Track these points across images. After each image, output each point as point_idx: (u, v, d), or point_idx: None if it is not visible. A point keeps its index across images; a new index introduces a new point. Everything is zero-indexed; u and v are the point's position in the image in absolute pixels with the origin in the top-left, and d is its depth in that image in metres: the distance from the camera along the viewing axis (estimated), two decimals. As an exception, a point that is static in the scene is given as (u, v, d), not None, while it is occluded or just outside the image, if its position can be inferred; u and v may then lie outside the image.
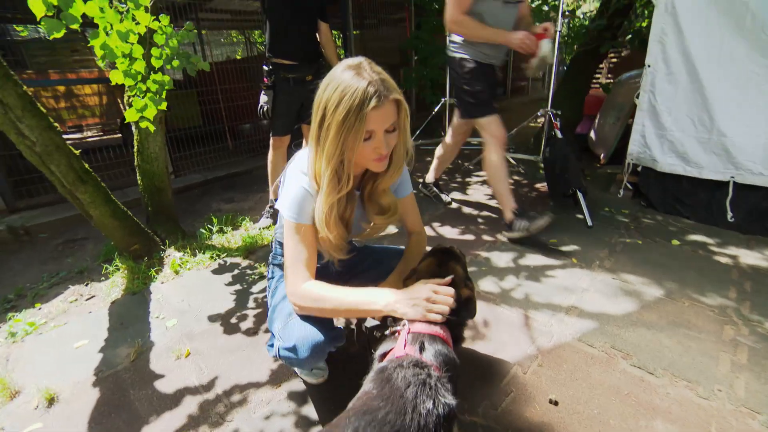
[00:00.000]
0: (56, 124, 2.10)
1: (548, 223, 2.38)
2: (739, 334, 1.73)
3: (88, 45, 1.77)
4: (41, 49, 6.26)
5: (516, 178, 3.88)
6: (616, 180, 3.35)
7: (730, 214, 2.66)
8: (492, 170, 2.54)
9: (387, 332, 1.01)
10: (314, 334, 1.08)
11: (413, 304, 0.95)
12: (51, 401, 1.47)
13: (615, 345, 1.69)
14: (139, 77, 1.86)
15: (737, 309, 1.88)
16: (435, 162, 3.18)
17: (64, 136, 2.13)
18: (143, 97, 1.93)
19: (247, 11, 6.06)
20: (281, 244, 1.33)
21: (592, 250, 2.44)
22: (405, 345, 0.90)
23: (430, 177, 3.27)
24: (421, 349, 0.88)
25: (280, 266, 1.38)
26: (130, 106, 1.97)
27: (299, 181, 1.10)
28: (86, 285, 2.34)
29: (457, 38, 2.48)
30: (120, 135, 5.70)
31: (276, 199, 1.22)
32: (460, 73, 2.51)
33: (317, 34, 2.68)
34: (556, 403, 1.43)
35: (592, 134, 4.33)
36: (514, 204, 2.49)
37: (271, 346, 1.19)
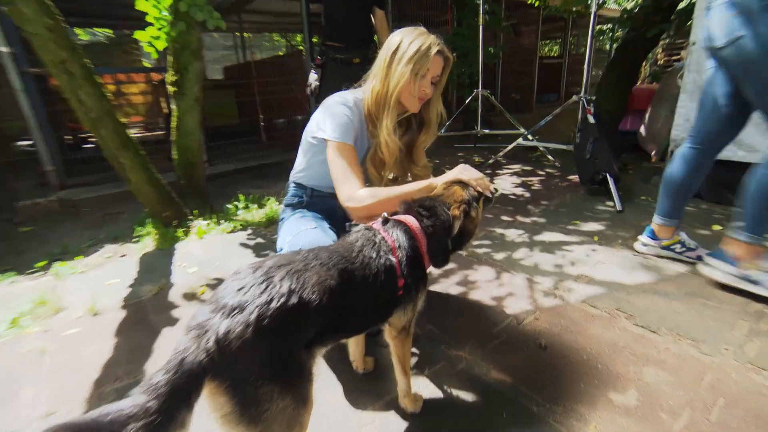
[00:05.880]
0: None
1: None
2: None
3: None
4: (98, 52, 7.59)
5: (549, 170, 3.98)
6: (659, 171, 3.36)
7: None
8: None
9: None
10: (318, 239, 1.36)
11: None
12: (95, 314, 1.87)
13: (620, 307, 1.78)
14: (165, 10, 2.44)
15: (771, 287, 1.89)
16: None
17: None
18: (160, 29, 2.51)
19: (290, 13, 6.73)
20: (298, 186, 1.62)
21: (617, 231, 2.51)
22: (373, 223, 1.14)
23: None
24: (384, 223, 1.11)
25: (292, 206, 1.65)
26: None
27: (345, 105, 1.41)
28: (120, 245, 2.77)
29: None
30: (164, 132, 6.49)
31: None
32: None
33: (372, 21, 3.05)
34: (544, 348, 1.56)
35: (642, 130, 4.33)
36: None
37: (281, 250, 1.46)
